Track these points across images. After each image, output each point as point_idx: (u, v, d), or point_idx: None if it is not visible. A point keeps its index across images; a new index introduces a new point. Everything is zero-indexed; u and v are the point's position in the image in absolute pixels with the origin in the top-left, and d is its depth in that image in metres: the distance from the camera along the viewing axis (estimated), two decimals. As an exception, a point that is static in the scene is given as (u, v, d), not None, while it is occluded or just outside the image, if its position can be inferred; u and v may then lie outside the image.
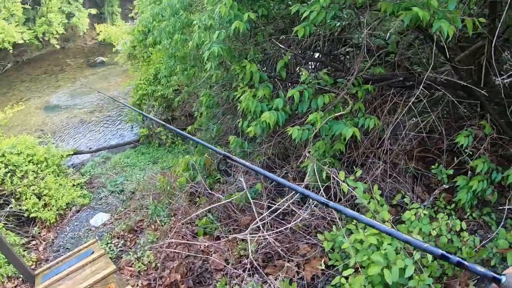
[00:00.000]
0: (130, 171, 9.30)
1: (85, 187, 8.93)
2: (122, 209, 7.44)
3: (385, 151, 4.33)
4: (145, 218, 6.43)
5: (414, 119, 4.47)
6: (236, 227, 4.95)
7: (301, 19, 3.76)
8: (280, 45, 4.79)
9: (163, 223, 5.89)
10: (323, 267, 3.56)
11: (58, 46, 22.49)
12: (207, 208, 4.75)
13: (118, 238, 6.25)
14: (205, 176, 5.82)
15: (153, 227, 5.95)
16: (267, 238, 3.99)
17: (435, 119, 4.16)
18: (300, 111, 4.36)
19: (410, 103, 3.94)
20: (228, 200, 4.63)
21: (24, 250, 6.68)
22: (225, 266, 4.53)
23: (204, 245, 4.55)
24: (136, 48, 11.77)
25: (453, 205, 3.87)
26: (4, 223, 7.00)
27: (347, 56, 5.61)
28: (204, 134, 6.74)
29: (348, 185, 3.59)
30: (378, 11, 3.82)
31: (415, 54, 4.76)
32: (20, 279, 5.82)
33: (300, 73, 4.97)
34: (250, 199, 3.98)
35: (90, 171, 9.78)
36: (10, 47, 18.73)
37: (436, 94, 4.57)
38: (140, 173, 8.94)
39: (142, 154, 10.31)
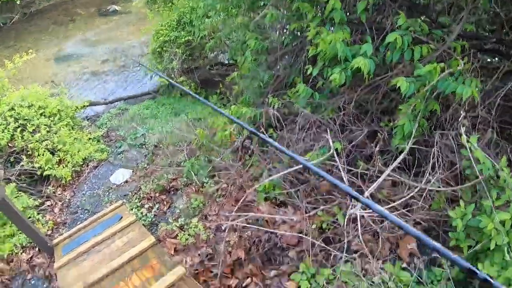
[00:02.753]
0: (152, 123, 8.07)
1: (102, 141, 7.79)
2: (146, 165, 6.26)
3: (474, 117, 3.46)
4: (178, 177, 5.22)
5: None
6: (310, 193, 3.77)
7: None
8: None
9: (204, 184, 4.69)
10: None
11: (67, -4, 20.77)
12: (285, 172, 3.50)
13: (148, 200, 5.09)
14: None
15: (193, 188, 4.75)
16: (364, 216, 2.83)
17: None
18: (388, 61, 3.51)
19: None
20: (313, 162, 3.39)
21: (38, 213, 5.60)
22: (299, 241, 3.37)
23: (270, 215, 3.35)
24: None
25: None
26: (16, 183, 5.96)
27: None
28: (251, 82, 5.46)
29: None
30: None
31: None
32: (37, 248, 4.73)
33: (383, 19, 4.13)
34: (340, 161, 2.84)
35: (106, 123, 8.63)
36: (17, -2, 17.21)
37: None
38: (163, 125, 7.72)
39: (162, 105, 9.10)
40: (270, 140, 1.63)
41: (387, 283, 2.64)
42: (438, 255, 2.55)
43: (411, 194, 3.00)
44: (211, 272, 3.44)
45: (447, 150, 3.31)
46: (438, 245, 1.03)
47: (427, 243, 1.06)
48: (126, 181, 6.13)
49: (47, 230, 5.19)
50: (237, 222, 3.31)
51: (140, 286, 3.37)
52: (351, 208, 2.92)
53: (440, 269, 2.80)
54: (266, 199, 3.93)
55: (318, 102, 4.12)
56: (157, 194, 5.10)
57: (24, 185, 6.23)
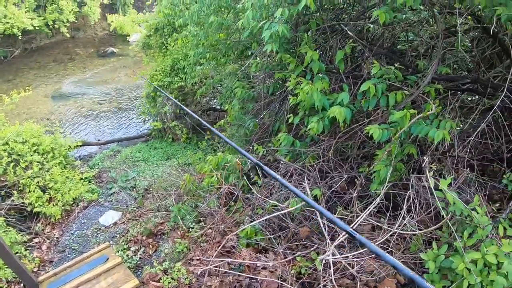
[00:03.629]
0: (143, 166, 8.34)
1: (93, 182, 7.99)
2: (135, 208, 6.48)
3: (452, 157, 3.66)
4: (165, 221, 5.45)
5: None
6: (290, 239, 4.01)
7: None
8: (350, 32, 3.93)
9: (190, 229, 4.92)
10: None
11: (68, 35, 21.51)
12: (265, 217, 3.78)
13: (135, 243, 5.28)
14: (237, 178, 4.87)
15: (178, 233, 4.97)
16: (341, 261, 3.06)
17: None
18: (365, 108, 3.73)
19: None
20: (289, 210, 3.66)
21: (25, 250, 5.74)
22: (279, 286, 3.59)
23: (251, 260, 3.58)
24: (151, 38, 10.95)
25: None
26: (5, 217, 6.11)
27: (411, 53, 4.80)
28: (237, 130, 5.80)
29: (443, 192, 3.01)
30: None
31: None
32: (22, 284, 4.85)
33: (362, 66, 4.46)
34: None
35: (99, 164, 8.85)
36: (19, 33, 17.98)
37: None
38: (153, 169, 8.00)
39: (154, 149, 9.41)
40: (275, 174, 1.81)
41: None
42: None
43: (385, 238, 3.17)
44: (190, 317, 3.63)
45: (424, 192, 3.44)
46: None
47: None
48: (115, 223, 6.32)
49: (34, 267, 5.32)
50: (218, 267, 3.52)
51: (122, 327, 3.55)
52: (324, 254, 3.10)
53: None
54: (248, 245, 4.14)
55: (299, 150, 4.39)
56: (143, 238, 5.28)
57: (13, 220, 6.35)
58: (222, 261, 3.88)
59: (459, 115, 3.79)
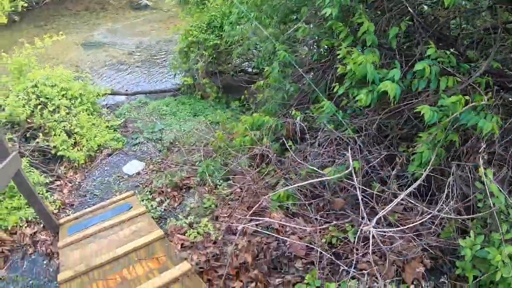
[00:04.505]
0: (170, 120, 8.14)
1: (119, 131, 7.83)
2: (160, 160, 6.30)
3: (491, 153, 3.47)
4: (192, 176, 5.26)
5: None
6: (323, 208, 3.78)
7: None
8: (410, 9, 3.71)
9: (217, 186, 4.72)
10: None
11: (100, -16, 21.11)
12: (304, 182, 3.54)
13: (159, 194, 5.11)
14: (273, 141, 4.63)
15: (206, 188, 4.77)
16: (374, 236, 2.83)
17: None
18: (414, 88, 3.60)
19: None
20: (329, 178, 3.42)
21: (47, 191, 5.63)
22: (307, 253, 3.39)
23: (282, 223, 3.37)
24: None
25: None
26: (29, 159, 6.04)
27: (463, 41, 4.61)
28: (276, 93, 5.53)
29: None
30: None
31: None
32: (41, 225, 4.76)
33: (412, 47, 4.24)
34: (356, 180, 2.87)
35: (125, 114, 8.68)
36: (52, -22, 17.61)
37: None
38: (181, 124, 7.78)
39: (182, 104, 9.16)
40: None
41: None
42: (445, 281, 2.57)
43: (423, 220, 3.00)
44: (216, 272, 3.45)
45: (461, 182, 3.33)
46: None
47: None
48: (138, 173, 6.18)
49: (54, 209, 5.23)
50: (249, 226, 3.33)
51: (143, 276, 3.40)
52: (365, 225, 2.91)
53: None
54: (278, 208, 3.94)
55: (340, 121, 4.16)
56: (168, 190, 5.12)
57: (37, 161, 6.29)
58: (251, 220, 3.68)
59: (500, 112, 3.55)
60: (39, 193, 4.54)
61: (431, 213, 3.03)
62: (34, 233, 4.69)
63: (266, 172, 4.39)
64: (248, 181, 4.43)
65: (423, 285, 2.63)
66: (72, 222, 4.70)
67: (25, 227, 4.73)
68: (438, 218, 3.09)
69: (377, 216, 2.85)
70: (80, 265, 3.70)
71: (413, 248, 3.15)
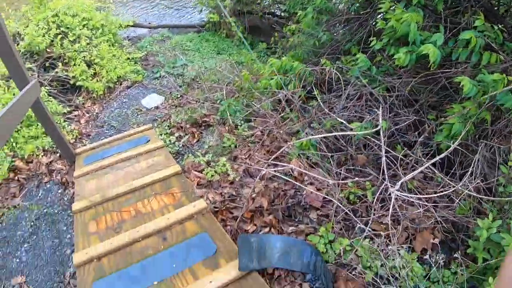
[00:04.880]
0: (192, 56, 7.94)
1: (139, 63, 7.69)
2: (180, 96, 6.17)
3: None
4: (212, 114, 5.12)
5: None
6: (344, 163, 3.64)
7: None
8: None
9: (238, 127, 4.59)
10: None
11: None
12: (333, 134, 3.40)
13: (178, 129, 5.01)
14: (299, 87, 4.42)
15: (226, 128, 4.64)
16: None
17: None
18: (454, 58, 3.33)
19: None
20: (358, 134, 3.25)
21: (64, 121, 5.59)
22: (322, 206, 3.29)
23: (300, 172, 3.24)
24: None
25: None
26: (47, 88, 5.99)
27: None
28: (307, 39, 5.27)
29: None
30: None
31: None
32: (57, 154, 4.73)
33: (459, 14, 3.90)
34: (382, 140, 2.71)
35: (147, 47, 8.51)
36: None
37: None
38: (203, 61, 7.57)
39: (206, 41, 8.90)
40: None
41: (399, 269, 2.55)
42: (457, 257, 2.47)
43: (445, 193, 2.85)
44: (231, 213, 3.38)
45: (485, 162, 3.19)
46: None
47: None
48: (157, 107, 6.07)
49: (71, 139, 5.20)
50: (269, 170, 3.21)
51: (158, 211, 3.35)
52: (386, 187, 2.78)
53: (449, 271, 2.70)
54: (299, 156, 3.81)
55: (373, 77, 3.94)
56: (187, 126, 5.00)
57: (55, 91, 6.23)
58: (269, 165, 3.56)
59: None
60: (56, 123, 4.49)
61: (454, 186, 2.89)
62: (50, 162, 4.68)
63: (289, 118, 4.23)
64: (270, 125, 4.28)
65: (433, 256, 2.51)
66: (88, 152, 4.66)
67: (41, 156, 4.72)
68: (461, 194, 2.94)
69: (402, 180, 2.71)
70: (95, 195, 3.67)
71: (427, 218, 3.04)
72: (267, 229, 3.17)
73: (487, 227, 2.61)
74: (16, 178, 4.45)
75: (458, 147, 3.16)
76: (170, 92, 6.45)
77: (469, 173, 2.99)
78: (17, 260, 3.50)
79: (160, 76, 7.09)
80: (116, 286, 2.69)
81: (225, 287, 2.57)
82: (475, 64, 3.26)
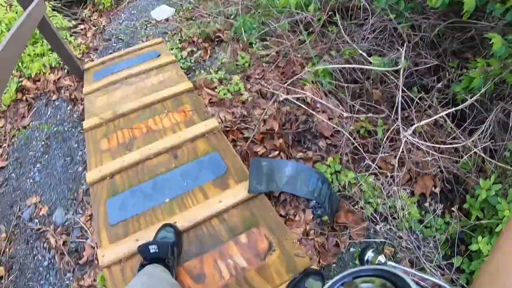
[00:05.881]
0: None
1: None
2: (191, 7, 5.96)
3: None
4: (225, 29, 4.97)
5: None
6: (358, 96, 3.56)
7: None
8: None
9: (252, 45, 4.46)
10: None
11: None
12: (353, 65, 3.28)
13: (189, 43, 4.89)
14: (319, 10, 4.20)
15: (240, 45, 4.52)
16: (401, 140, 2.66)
17: None
18: (488, 11, 3.06)
19: None
20: (377, 69, 3.13)
21: (71, 35, 5.47)
22: (332, 135, 3.29)
23: (315, 98, 3.18)
24: None
25: None
26: (51, 3, 5.84)
27: None
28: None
29: None
30: None
31: None
32: (65, 70, 4.69)
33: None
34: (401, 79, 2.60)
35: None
36: None
37: None
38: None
39: None
40: None
41: (398, 209, 2.60)
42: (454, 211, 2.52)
43: (455, 146, 2.81)
44: (242, 134, 3.37)
45: (497, 123, 3.11)
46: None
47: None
48: (167, 19, 5.88)
49: (78, 54, 5.13)
50: (284, 95, 3.15)
51: (170, 128, 3.36)
52: (403, 130, 2.74)
53: (443, 220, 2.74)
54: (312, 82, 3.73)
55: (400, 12, 3.71)
56: (199, 41, 4.85)
57: (59, 5, 6.08)
58: (282, 86, 3.50)
59: None
60: (63, 38, 4.42)
61: (463, 141, 2.83)
62: (58, 79, 4.65)
63: (307, 41, 4.07)
64: (287, 47, 4.14)
65: (432, 204, 2.54)
66: (97, 67, 4.60)
67: (49, 73, 4.68)
68: (469, 151, 2.89)
69: (415, 126, 2.66)
70: (106, 112, 3.68)
71: (430, 164, 3.01)
72: (276, 153, 3.18)
73: (487, 188, 2.64)
74: (24, 98, 4.47)
75: (474, 102, 3.08)
76: (181, 4, 6.22)
77: (480, 131, 2.93)
78: (31, 180, 3.62)
79: (171, -14, 6.81)
80: (129, 203, 2.78)
81: (233, 207, 2.64)
82: (508, 22, 3.07)
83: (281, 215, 2.70)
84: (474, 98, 2.89)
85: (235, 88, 3.80)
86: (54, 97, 4.42)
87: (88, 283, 2.72)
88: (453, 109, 2.87)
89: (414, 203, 2.74)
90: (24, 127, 4.17)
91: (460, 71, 3.32)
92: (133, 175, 2.99)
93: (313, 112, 3.25)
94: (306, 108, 3.21)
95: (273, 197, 2.84)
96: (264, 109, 3.50)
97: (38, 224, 3.21)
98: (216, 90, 3.85)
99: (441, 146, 2.86)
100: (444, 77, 3.43)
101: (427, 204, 2.60)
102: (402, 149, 2.66)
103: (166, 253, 2.14)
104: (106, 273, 2.41)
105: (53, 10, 5.72)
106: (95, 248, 2.87)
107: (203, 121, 3.33)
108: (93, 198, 2.90)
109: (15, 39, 2.75)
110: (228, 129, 3.40)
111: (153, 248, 2.11)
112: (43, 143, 3.93)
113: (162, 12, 6.04)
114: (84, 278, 2.76)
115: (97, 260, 2.74)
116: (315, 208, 2.82)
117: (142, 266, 2.11)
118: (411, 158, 3.01)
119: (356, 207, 2.71)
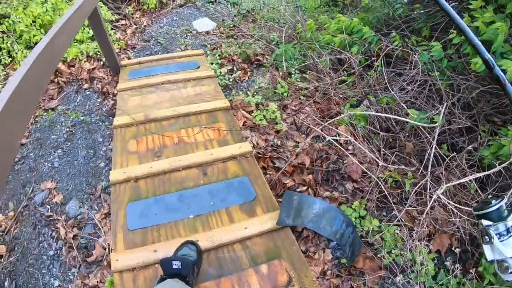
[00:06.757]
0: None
1: (194, -17, 7.48)
2: (232, 25, 6.05)
3: None
4: (266, 54, 5.03)
5: None
6: (389, 145, 3.58)
7: None
8: None
9: (291, 75, 4.51)
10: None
11: None
12: (381, 114, 3.29)
13: (229, 61, 4.94)
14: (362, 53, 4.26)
15: (280, 73, 4.56)
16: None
17: None
18: None
19: None
20: (414, 122, 3.17)
21: (111, 29, 5.55)
22: (360, 179, 3.29)
23: (349, 139, 3.18)
24: None
25: None
26: None
27: None
28: (380, 6, 5.00)
29: None
30: None
31: None
32: (101, 62, 4.74)
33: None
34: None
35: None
36: None
37: None
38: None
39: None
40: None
41: (418, 264, 2.58)
42: None
43: None
44: (273, 163, 3.38)
45: None
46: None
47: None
48: (208, 32, 5.98)
49: (116, 48, 5.18)
50: (322, 133, 3.15)
51: (202, 143, 3.36)
52: (432, 188, 2.74)
53: (455, 280, 2.72)
54: (346, 124, 3.75)
55: (441, 69, 3.74)
56: (239, 60, 4.89)
57: (105, -3, 6.20)
58: (323, 124, 3.51)
59: None
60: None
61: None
62: (93, 69, 4.69)
63: (346, 82, 4.12)
64: (326, 84, 4.18)
65: (451, 263, 2.53)
66: (134, 66, 4.65)
67: (84, 61, 4.73)
68: None
69: (445, 186, 2.65)
70: (138, 114, 3.69)
71: (449, 223, 3.00)
72: (304, 188, 3.18)
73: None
74: (56, 80, 4.48)
75: (501, 169, 3.08)
76: (223, 20, 6.33)
77: (506, 198, 2.93)
78: (49, 164, 3.58)
79: (215, 1, 6.95)
80: (151, 211, 2.76)
81: (258, 236, 2.62)
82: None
83: (301, 251, 2.69)
84: (503, 165, 2.90)
85: (271, 115, 3.82)
86: (85, 86, 4.45)
87: (93, 283, 2.67)
88: (482, 173, 2.87)
89: (433, 259, 2.72)
90: (52, 109, 4.16)
91: (490, 136, 3.33)
92: (159, 184, 2.97)
93: (346, 153, 3.26)
94: (340, 148, 3.21)
95: (296, 231, 2.83)
96: (297, 141, 3.52)
97: (49, 211, 3.17)
98: (252, 114, 3.87)
99: (465, 208, 2.86)
100: (475, 140, 3.43)
101: (447, 263, 2.57)
102: (429, 205, 2.66)
103: (189, 271, 2.12)
104: (117, 279, 2.38)
105: (100, 0, 5.79)
106: (107, 249, 2.83)
107: (236, 143, 3.34)
108: (114, 199, 2.88)
109: (67, 26, 2.76)
110: (260, 155, 3.40)
111: (175, 264, 2.09)
112: (67, 129, 3.91)
113: (203, 24, 6.13)
114: (89, 277, 2.71)
115: (108, 262, 2.70)
116: (335, 249, 2.82)
117: (163, 279, 2.09)
118: (431, 214, 2.99)
119: (378, 255, 2.69)
